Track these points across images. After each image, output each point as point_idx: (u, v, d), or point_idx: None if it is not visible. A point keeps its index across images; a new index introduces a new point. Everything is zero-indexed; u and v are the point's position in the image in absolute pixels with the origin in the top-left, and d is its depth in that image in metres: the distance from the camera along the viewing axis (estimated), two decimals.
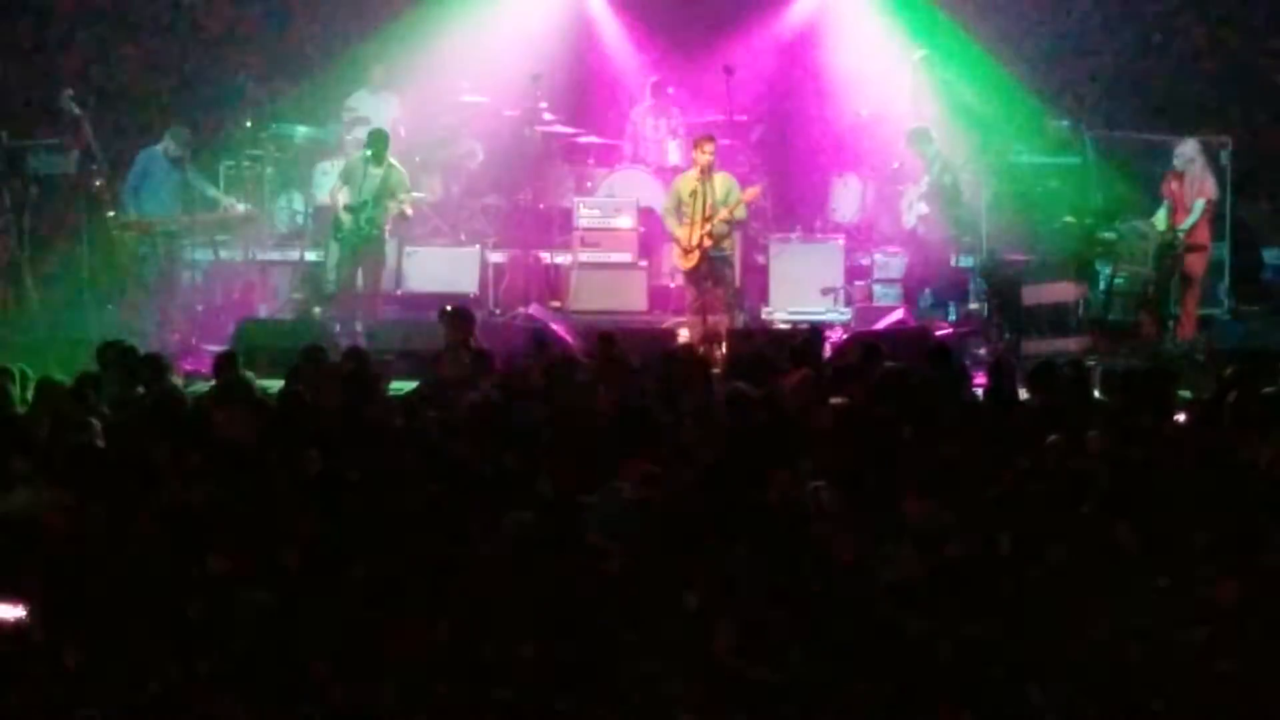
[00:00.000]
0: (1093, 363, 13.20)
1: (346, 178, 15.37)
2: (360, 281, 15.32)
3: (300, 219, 16.63)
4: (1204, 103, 16.15)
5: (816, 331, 11.79)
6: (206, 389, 10.83)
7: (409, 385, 11.14)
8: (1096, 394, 10.32)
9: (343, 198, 15.27)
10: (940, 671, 6.09)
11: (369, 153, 15.20)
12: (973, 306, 15.51)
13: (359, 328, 14.54)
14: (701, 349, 12.55)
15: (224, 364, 10.89)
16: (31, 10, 17.02)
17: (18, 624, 6.31)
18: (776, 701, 5.94)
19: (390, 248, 15.88)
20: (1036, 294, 14.61)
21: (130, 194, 14.84)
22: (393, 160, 15.43)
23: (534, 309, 14.71)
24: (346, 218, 15.18)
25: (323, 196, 16.28)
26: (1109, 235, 15.00)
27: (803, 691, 5.92)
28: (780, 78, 17.70)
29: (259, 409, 9.47)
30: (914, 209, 15.94)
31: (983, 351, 14.29)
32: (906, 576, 6.80)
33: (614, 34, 18.19)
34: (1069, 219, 15.23)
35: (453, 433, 9.00)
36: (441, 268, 15.97)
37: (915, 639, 6.31)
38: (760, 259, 16.19)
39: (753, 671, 6.13)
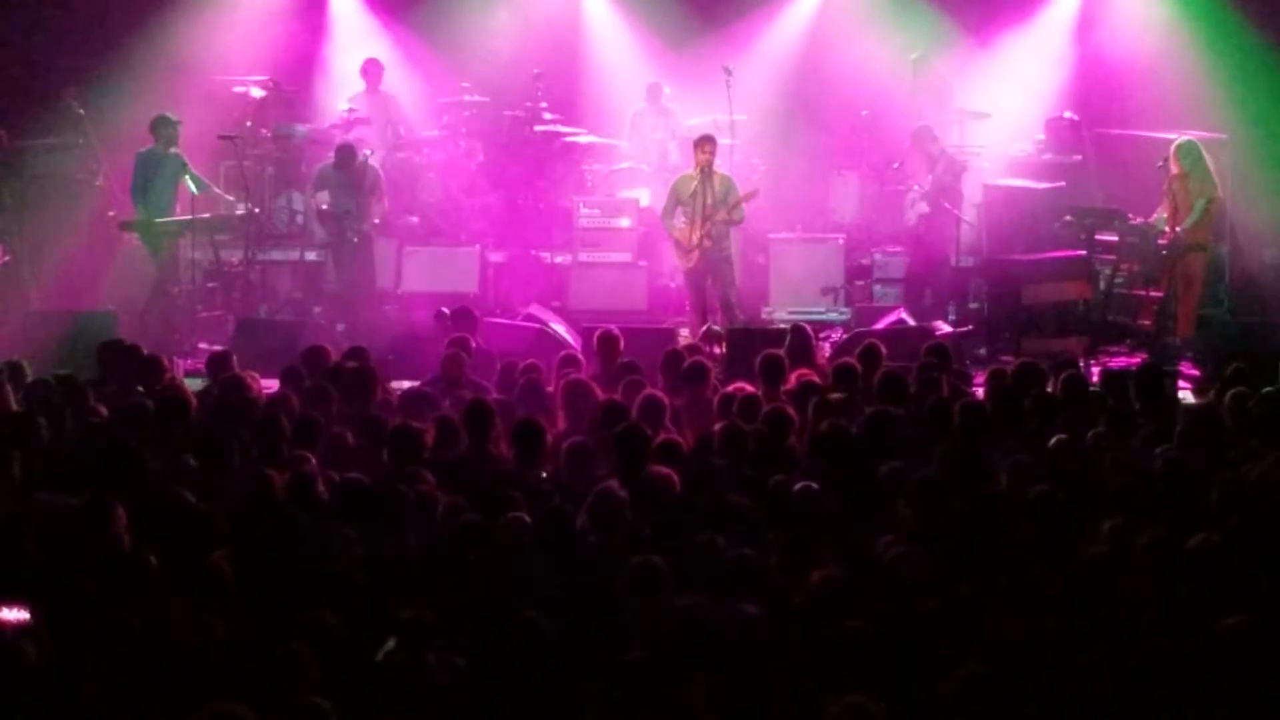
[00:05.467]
0: (1093, 363, 13.23)
1: (320, 184, 15.44)
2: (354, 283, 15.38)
3: (300, 219, 16.63)
4: (1204, 103, 16.14)
5: (802, 330, 11.77)
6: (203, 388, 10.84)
7: (409, 385, 11.13)
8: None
9: (321, 201, 15.37)
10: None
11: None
12: (973, 306, 15.51)
13: (359, 328, 14.55)
14: (702, 349, 12.51)
15: (218, 364, 10.93)
16: (32, 9, 17.01)
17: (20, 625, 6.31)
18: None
19: (390, 248, 15.91)
20: (1036, 294, 14.60)
21: (138, 195, 14.83)
22: (371, 162, 15.44)
23: (534, 309, 14.70)
24: (319, 227, 15.29)
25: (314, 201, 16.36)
26: (1109, 235, 15.00)
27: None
28: (780, 77, 17.69)
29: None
30: (915, 208, 15.95)
31: (983, 351, 14.31)
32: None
33: (614, 33, 18.19)
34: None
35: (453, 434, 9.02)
36: (441, 268, 15.97)
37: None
38: (760, 259, 16.19)
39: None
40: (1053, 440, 8.64)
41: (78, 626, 6.32)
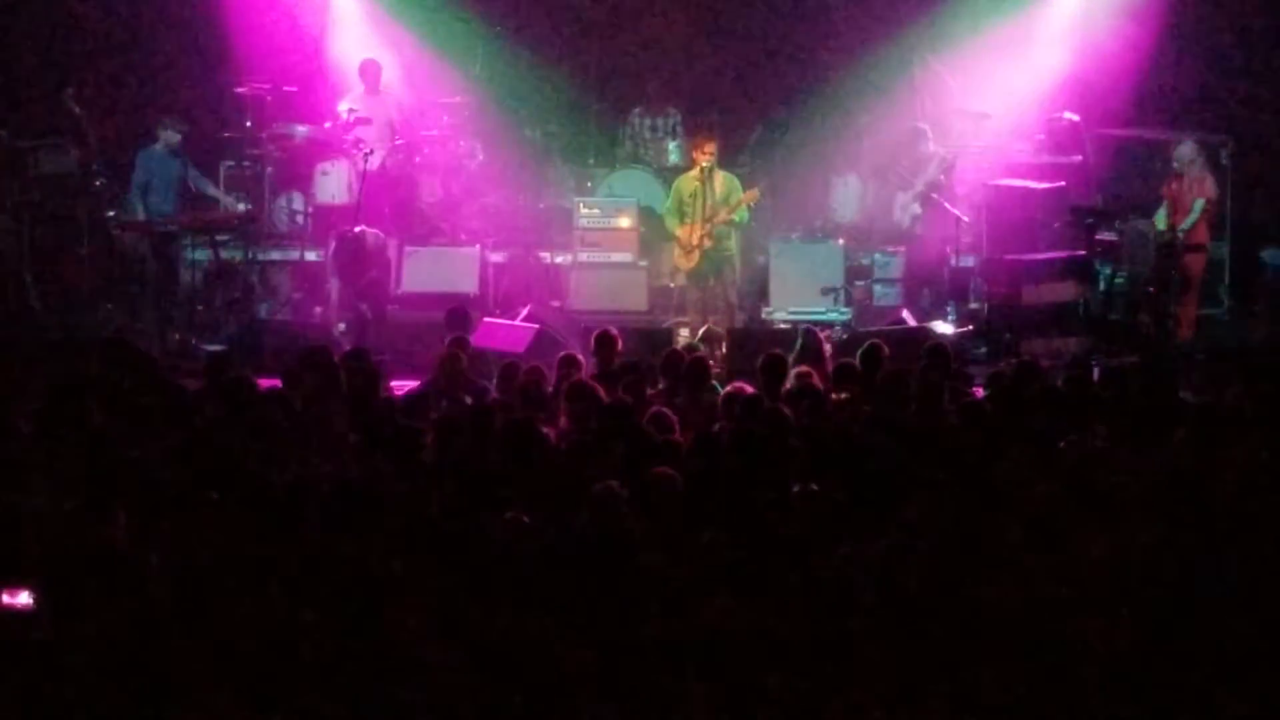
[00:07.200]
0: (1093, 363, 13.23)
1: None
2: None
3: (300, 219, 16.64)
4: (1204, 103, 16.14)
5: (811, 332, 11.78)
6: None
7: (409, 385, 11.14)
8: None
9: None
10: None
11: None
12: (973, 306, 15.52)
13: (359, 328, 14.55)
14: (701, 349, 12.53)
15: (218, 365, 10.93)
16: (33, 10, 17.01)
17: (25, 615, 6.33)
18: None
19: (391, 248, 15.92)
20: (1036, 294, 14.60)
21: (138, 195, 14.85)
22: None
23: (534, 309, 14.70)
24: None
25: (323, 197, 16.39)
26: (1109, 235, 15.01)
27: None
28: (781, 78, 17.69)
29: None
30: (908, 209, 15.95)
31: (983, 351, 14.30)
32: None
33: (613, 33, 18.18)
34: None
35: (453, 434, 9.03)
36: (441, 268, 15.97)
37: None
38: (760, 259, 16.19)
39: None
40: (1062, 442, 8.65)
41: (77, 627, 6.32)
